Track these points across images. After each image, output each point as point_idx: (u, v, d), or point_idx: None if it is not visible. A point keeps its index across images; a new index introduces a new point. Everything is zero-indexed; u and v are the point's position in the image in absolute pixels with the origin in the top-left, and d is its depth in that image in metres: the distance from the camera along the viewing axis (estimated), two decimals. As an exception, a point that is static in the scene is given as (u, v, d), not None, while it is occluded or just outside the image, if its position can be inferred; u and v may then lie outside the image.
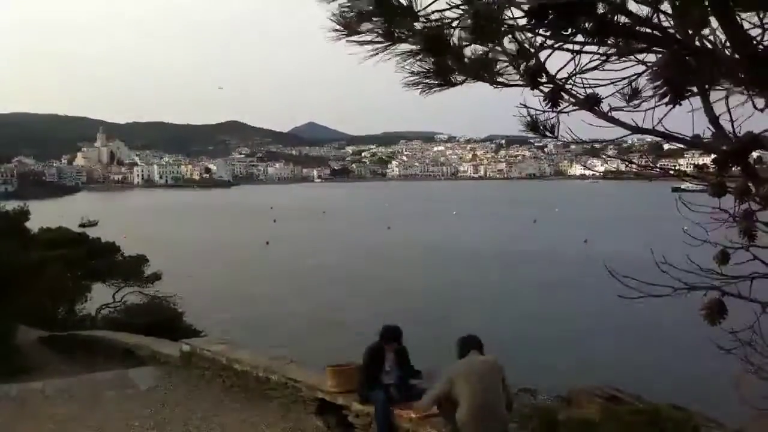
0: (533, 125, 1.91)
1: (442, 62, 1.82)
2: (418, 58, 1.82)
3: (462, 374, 5.12)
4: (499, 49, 1.79)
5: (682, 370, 21.20)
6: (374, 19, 1.74)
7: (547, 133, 1.93)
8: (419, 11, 1.70)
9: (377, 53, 1.80)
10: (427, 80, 1.87)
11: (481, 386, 5.06)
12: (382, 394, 6.07)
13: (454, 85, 1.89)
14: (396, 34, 1.76)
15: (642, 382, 19.15)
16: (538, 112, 1.89)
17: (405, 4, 1.68)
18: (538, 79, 1.78)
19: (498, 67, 1.83)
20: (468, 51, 1.81)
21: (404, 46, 1.79)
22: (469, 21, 1.69)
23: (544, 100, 1.81)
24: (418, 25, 1.73)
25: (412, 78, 1.87)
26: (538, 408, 11.25)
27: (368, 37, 1.78)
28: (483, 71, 1.83)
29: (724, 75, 1.68)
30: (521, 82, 1.82)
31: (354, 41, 1.78)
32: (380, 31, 1.76)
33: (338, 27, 1.76)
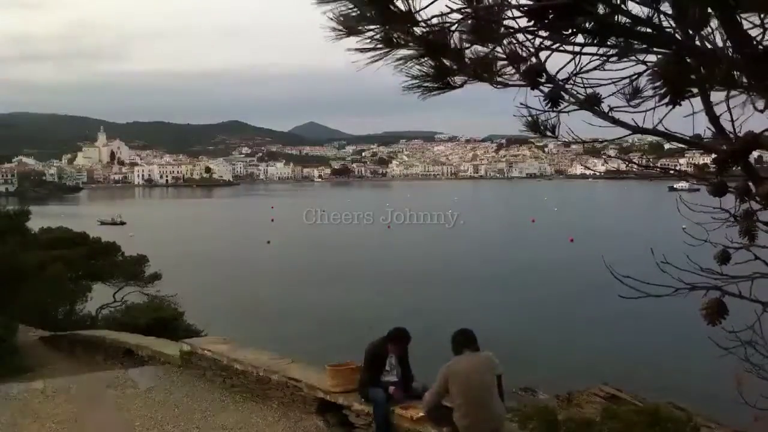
0: (534, 125, 1.91)
1: (441, 65, 1.82)
2: (416, 61, 1.82)
3: (455, 373, 5.17)
4: (499, 50, 1.79)
5: (683, 370, 21.19)
6: (373, 26, 1.74)
7: (548, 133, 1.93)
8: (418, 11, 1.70)
9: (377, 60, 1.80)
10: (427, 83, 1.87)
11: (474, 385, 5.11)
12: (382, 393, 6.07)
13: (453, 87, 1.88)
14: (395, 40, 1.76)
15: (642, 382, 19.16)
16: (538, 112, 1.89)
17: (404, 10, 1.68)
18: (539, 79, 1.78)
19: (498, 67, 1.83)
20: (468, 52, 1.81)
21: (403, 51, 1.80)
22: (469, 22, 1.69)
23: (544, 100, 1.81)
24: (417, 31, 1.73)
25: (411, 82, 1.87)
26: (538, 408, 11.24)
27: (369, 45, 1.78)
28: (483, 71, 1.83)
29: (722, 79, 1.68)
30: (521, 82, 1.82)
31: (354, 49, 1.79)
32: (379, 38, 1.76)
33: (337, 27, 1.76)
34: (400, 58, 1.81)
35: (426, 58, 1.81)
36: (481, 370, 5.21)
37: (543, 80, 1.79)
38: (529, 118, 1.90)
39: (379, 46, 1.78)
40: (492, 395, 5.17)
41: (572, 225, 69.42)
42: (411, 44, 1.77)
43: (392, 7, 1.68)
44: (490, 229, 70.98)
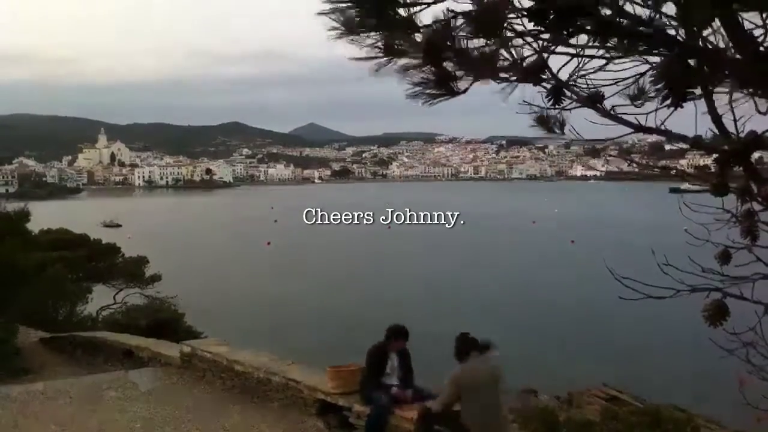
0: (542, 120, 1.91)
1: (442, 71, 1.82)
2: (419, 69, 1.82)
3: (467, 380, 5.16)
4: (502, 51, 1.78)
5: (683, 371, 21.17)
6: (374, 33, 1.73)
7: (556, 129, 1.93)
8: (417, 11, 1.69)
9: (379, 68, 1.79)
10: (429, 90, 1.87)
11: (485, 392, 5.11)
12: (384, 397, 6.06)
13: (456, 93, 1.88)
14: (396, 47, 1.76)
15: (642, 383, 19.13)
16: (540, 109, 1.88)
17: (405, 16, 1.67)
18: (541, 76, 1.77)
19: (500, 65, 1.82)
20: (468, 50, 1.80)
21: (405, 60, 1.79)
22: (470, 19, 1.68)
23: (546, 97, 1.80)
24: (418, 37, 1.73)
25: (414, 89, 1.87)
26: (539, 408, 11.23)
27: (370, 53, 1.78)
28: (485, 66, 1.81)
29: (726, 77, 1.67)
30: (524, 80, 1.81)
31: (355, 58, 1.78)
32: (380, 45, 1.76)
33: (338, 26, 1.75)
34: (401, 66, 1.81)
35: (427, 66, 1.80)
36: (493, 375, 5.23)
37: (546, 77, 1.78)
38: (538, 113, 1.89)
39: (380, 54, 1.77)
40: (501, 402, 5.20)
41: (573, 226, 69.39)
42: (411, 50, 1.76)
43: (392, 13, 1.68)
44: (490, 231, 70.90)
